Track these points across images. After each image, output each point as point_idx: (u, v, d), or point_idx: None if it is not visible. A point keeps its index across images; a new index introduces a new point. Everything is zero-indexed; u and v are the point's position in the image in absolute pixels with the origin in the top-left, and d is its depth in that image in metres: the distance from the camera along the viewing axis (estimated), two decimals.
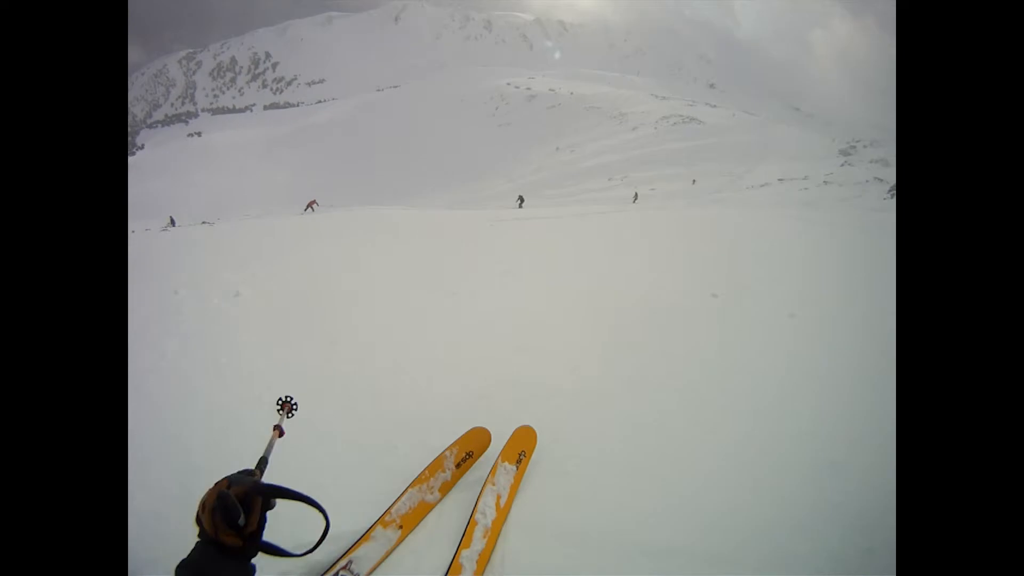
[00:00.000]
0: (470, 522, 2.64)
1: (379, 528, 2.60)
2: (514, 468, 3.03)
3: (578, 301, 5.31)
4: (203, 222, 23.41)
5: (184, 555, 1.29)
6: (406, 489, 2.82)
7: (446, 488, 2.98)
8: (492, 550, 2.62)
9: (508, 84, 78.65)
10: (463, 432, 3.22)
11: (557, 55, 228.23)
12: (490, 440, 3.31)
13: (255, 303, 5.64)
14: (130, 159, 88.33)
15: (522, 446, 3.18)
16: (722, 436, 3.33)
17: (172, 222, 26.65)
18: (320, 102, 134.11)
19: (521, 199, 24.38)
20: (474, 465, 3.19)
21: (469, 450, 3.20)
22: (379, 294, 5.93)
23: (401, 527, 2.67)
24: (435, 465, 3.01)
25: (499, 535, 2.69)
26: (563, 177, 35.48)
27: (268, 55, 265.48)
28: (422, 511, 2.82)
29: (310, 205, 26.05)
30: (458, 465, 3.10)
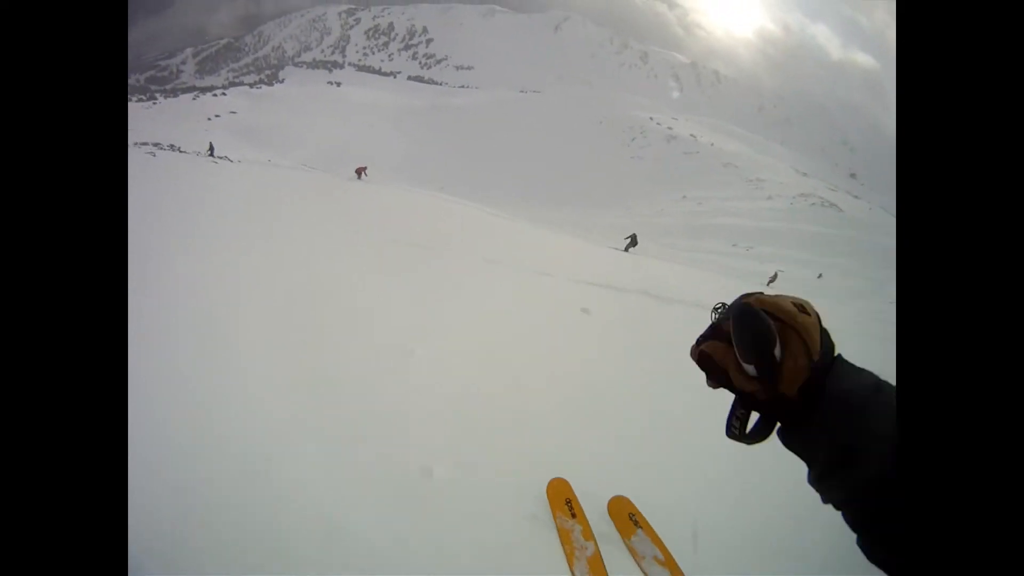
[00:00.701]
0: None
1: None
2: (640, 530, 3.25)
3: None
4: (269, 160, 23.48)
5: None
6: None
7: (588, 534, 3.22)
8: None
9: (651, 119, 76.64)
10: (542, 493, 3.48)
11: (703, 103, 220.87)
12: (570, 485, 3.52)
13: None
14: (268, 89, 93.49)
15: (627, 510, 3.36)
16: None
17: (211, 150, 27.42)
18: (463, 87, 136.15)
19: (633, 238, 21.98)
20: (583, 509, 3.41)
21: (565, 499, 3.45)
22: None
23: None
24: (564, 534, 3.24)
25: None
26: (684, 228, 33.88)
27: (425, 30, 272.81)
28: (598, 567, 3.06)
29: (360, 171, 26.18)
30: (573, 515, 3.37)
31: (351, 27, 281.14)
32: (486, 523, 3.36)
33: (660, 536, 3.34)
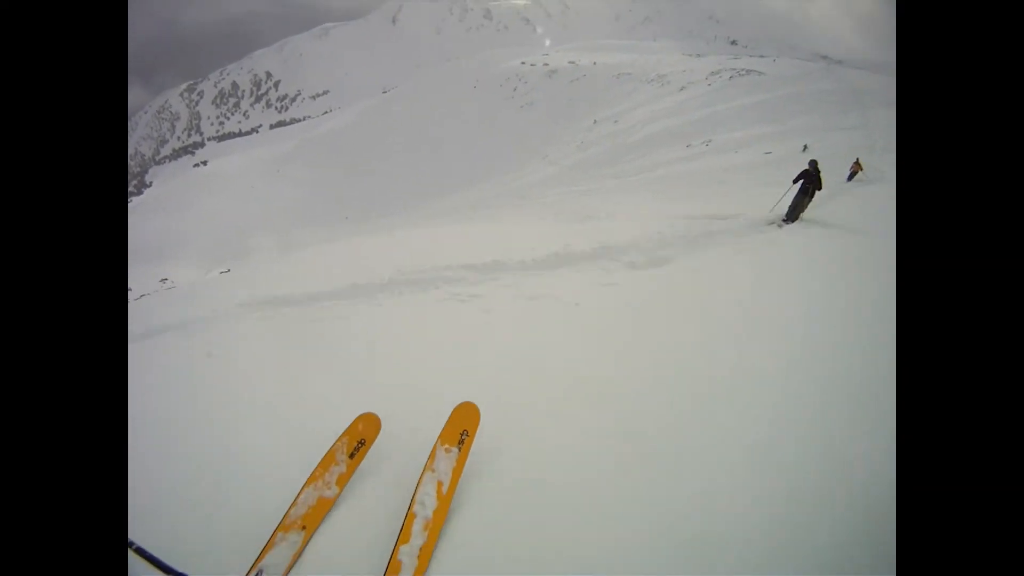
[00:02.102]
0: (408, 514, 2.48)
1: (280, 533, 2.43)
2: (456, 451, 2.84)
3: None
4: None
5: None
6: (301, 489, 2.62)
7: (343, 481, 2.77)
8: (435, 543, 2.46)
9: (523, 63, 71.77)
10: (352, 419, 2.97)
11: (549, 39, 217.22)
12: (380, 426, 3.00)
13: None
14: (137, 200, 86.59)
15: (463, 425, 2.94)
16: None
17: None
18: (327, 112, 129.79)
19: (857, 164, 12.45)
20: (369, 454, 2.93)
21: (360, 439, 2.96)
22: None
23: (304, 528, 2.52)
24: (327, 460, 2.78)
25: (442, 527, 2.53)
26: (618, 151, 28.67)
27: (269, 75, 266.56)
28: (322, 508, 2.64)
29: None
30: (351, 455, 2.87)
31: (197, 103, 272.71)
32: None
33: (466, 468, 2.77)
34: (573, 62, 65.40)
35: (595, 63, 62.12)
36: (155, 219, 65.62)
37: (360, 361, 4.45)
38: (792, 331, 4.42)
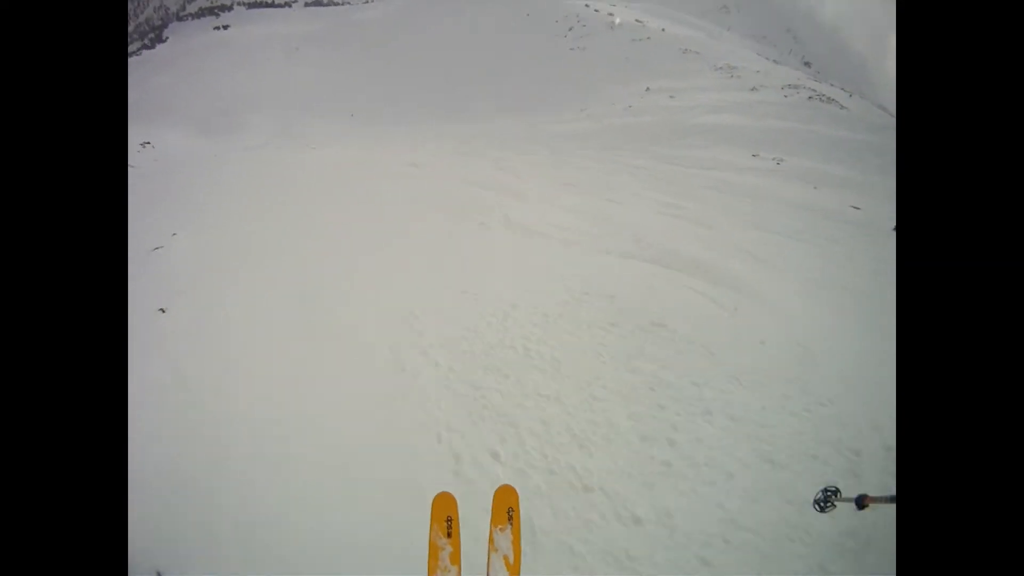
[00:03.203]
0: None
1: None
2: (508, 527, 3.22)
3: None
4: None
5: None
6: None
7: (456, 559, 3.14)
8: None
9: (586, 5, 65.52)
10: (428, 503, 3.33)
11: None
12: (456, 501, 3.35)
13: None
14: (148, 54, 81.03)
15: (507, 504, 3.31)
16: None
17: None
18: (367, 2, 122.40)
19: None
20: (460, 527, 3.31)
21: (447, 516, 3.29)
22: None
23: None
24: (432, 551, 3.15)
25: None
26: (671, 129, 23.23)
27: None
28: None
29: None
30: (449, 535, 3.23)
31: None
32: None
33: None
34: (640, 21, 59.44)
35: (663, 30, 56.29)
36: (158, 77, 60.29)
37: None
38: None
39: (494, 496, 3.33)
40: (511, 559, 3.12)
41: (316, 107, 47.93)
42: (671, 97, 31.26)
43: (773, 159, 18.77)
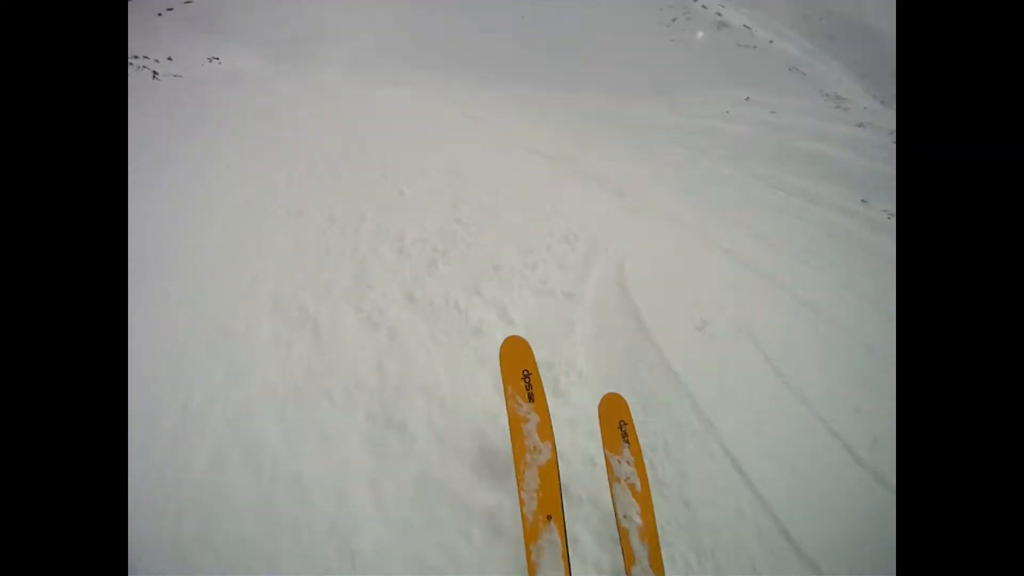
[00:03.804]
0: (620, 532, 2.59)
1: (532, 546, 2.38)
2: (626, 445, 2.90)
3: None
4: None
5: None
6: (518, 473, 2.60)
7: (546, 432, 2.78)
8: (661, 556, 2.55)
9: (695, 0, 62.59)
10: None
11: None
12: (529, 347, 3.05)
13: None
14: None
15: (618, 416, 3.00)
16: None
17: None
18: None
19: None
20: (543, 383, 2.96)
21: (523, 370, 2.93)
22: None
23: (551, 517, 2.48)
24: (514, 423, 2.77)
25: (657, 527, 2.64)
26: (769, 147, 20.19)
27: None
28: (552, 480, 2.62)
29: None
30: (531, 399, 2.85)
31: None
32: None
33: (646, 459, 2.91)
34: (748, 28, 56.25)
35: (771, 42, 52.96)
36: None
37: None
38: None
39: (599, 409, 3.09)
40: (638, 487, 2.78)
41: (393, 48, 46.46)
42: (772, 113, 28.62)
43: (884, 211, 16.38)
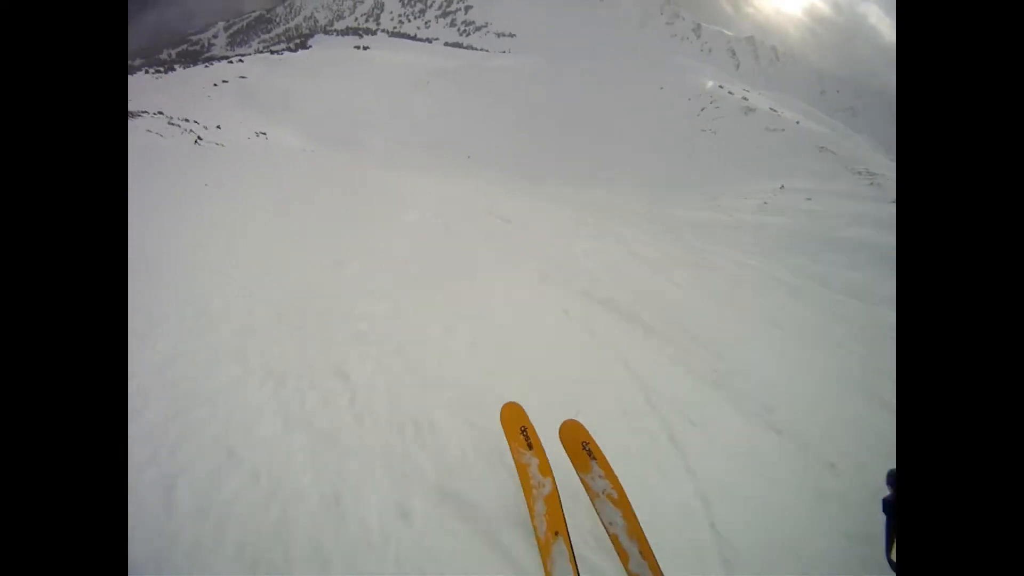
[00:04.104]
0: (610, 537, 2.85)
1: (548, 560, 2.74)
2: (594, 462, 3.11)
3: None
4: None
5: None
6: (528, 505, 2.99)
7: (546, 470, 3.11)
8: (651, 549, 2.79)
9: (720, 87, 64.23)
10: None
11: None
12: (524, 410, 3.41)
13: None
14: (289, 55, 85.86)
15: (580, 440, 3.22)
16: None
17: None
18: (504, 52, 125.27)
19: None
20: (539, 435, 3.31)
21: (520, 427, 3.30)
22: None
23: (558, 532, 2.81)
24: (520, 468, 3.19)
25: (641, 526, 2.88)
26: (813, 239, 19.47)
27: None
28: (555, 505, 2.96)
29: None
30: (530, 447, 3.23)
31: None
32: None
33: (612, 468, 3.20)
34: (775, 110, 57.59)
35: (798, 123, 54.22)
36: (290, 78, 63.34)
37: None
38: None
39: (560, 438, 3.26)
40: (615, 495, 3.00)
41: (434, 140, 48.30)
42: (808, 199, 29.11)
43: None
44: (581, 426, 3.30)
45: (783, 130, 50.67)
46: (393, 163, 32.16)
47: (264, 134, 35.08)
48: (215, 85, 58.80)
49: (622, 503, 2.98)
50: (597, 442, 3.28)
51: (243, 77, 64.45)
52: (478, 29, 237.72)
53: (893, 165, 48.09)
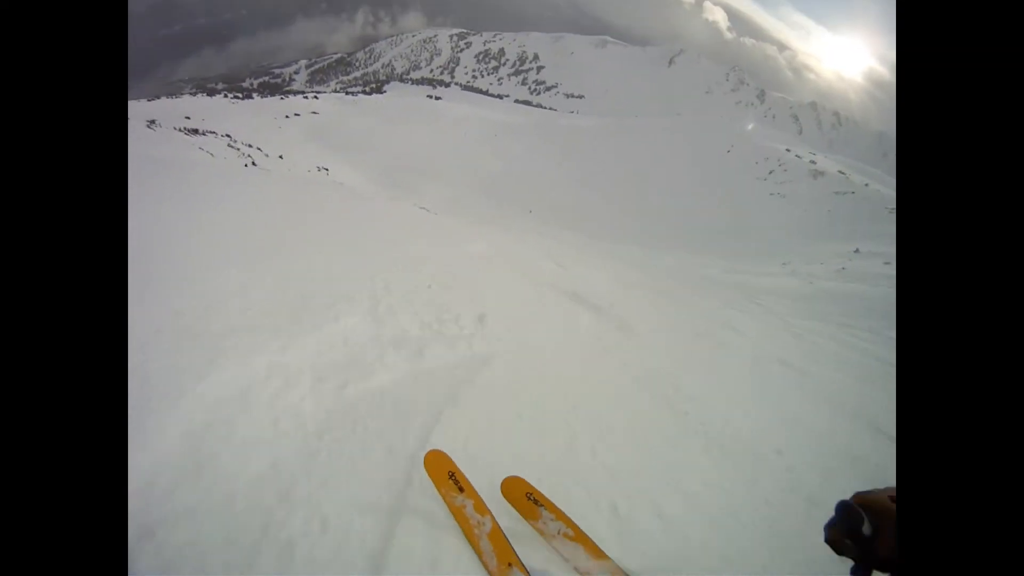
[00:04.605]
0: (581, 573, 2.85)
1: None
2: (542, 509, 3.16)
3: None
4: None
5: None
6: (471, 544, 2.94)
7: (482, 508, 3.12)
8: (620, 568, 2.84)
9: (787, 150, 63.97)
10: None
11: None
12: (447, 456, 3.45)
13: None
14: (364, 98, 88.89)
15: (522, 492, 3.26)
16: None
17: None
18: (573, 113, 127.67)
19: None
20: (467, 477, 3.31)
21: (448, 471, 3.32)
22: None
23: (511, 564, 2.81)
24: (455, 511, 3.13)
25: (602, 548, 2.95)
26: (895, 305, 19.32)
27: (536, 56, 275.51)
28: (501, 540, 2.93)
29: None
30: (461, 489, 3.21)
31: (461, 50, 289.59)
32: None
33: (563, 510, 3.24)
34: (843, 173, 57.02)
35: (867, 185, 53.50)
36: (362, 119, 65.47)
37: None
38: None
39: (503, 495, 3.31)
40: (571, 532, 3.06)
41: (495, 193, 48.86)
42: (885, 263, 28.57)
43: None
44: (522, 480, 3.35)
45: (853, 193, 50.18)
46: (453, 212, 32.04)
47: (326, 169, 35.84)
48: (287, 117, 61.56)
49: (581, 536, 3.03)
50: (540, 490, 3.34)
51: (315, 113, 67.23)
52: (548, 89, 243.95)
53: None
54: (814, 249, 34.30)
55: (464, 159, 59.94)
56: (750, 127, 67.54)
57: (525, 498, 3.25)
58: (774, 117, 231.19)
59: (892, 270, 26.19)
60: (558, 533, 3.07)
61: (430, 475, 3.35)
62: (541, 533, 3.11)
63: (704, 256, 31.84)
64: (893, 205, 45.78)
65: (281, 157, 33.27)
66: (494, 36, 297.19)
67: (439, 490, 3.27)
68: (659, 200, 52.36)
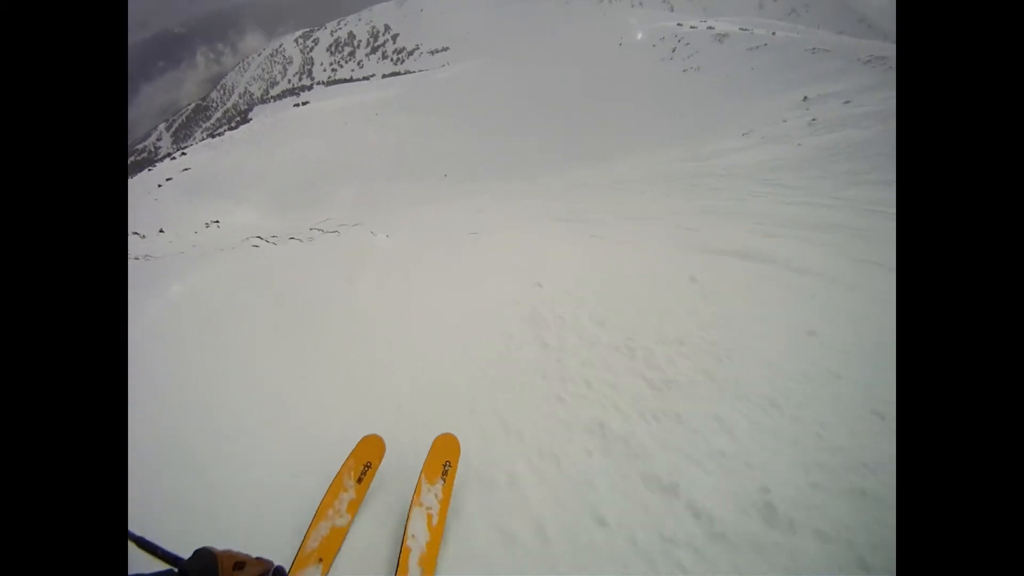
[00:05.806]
0: (402, 549, 2.66)
1: (298, 570, 2.57)
2: (441, 482, 3.02)
3: None
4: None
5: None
6: (313, 521, 2.80)
7: (354, 508, 2.99)
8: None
9: (679, 24, 60.80)
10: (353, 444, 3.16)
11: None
12: (384, 448, 3.27)
13: None
14: (230, 134, 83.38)
15: (445, 456, 3.15)
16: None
17: None
18: (444, 66, 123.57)
19: None
20: (375, 476, 3.17)
21: (366, 462, 3.16)
22: None
23: (321, 560, 2.68)
24: (335, 487, 2.99)
25: (437, 559, 2.70)
26: (881, 156, 15.80)
27: (387, 27, 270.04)
28: (337, 538, 2.82)
29: None
30: (359, 480, 3.06)
31: (311, 49, 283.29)
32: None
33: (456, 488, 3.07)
34: (746, 29, 54.23)
35: (774, 34, 50.84)
36: (234, 154, 59.13)
37: None
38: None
39: (433, 444, 3.25)
40: (435, 519, 2.90)
41: (399, 167, 45.50)
42: (846, 102, 25.55)
43: None
44: (457, 446, 3.21)
45: (765, 44, 46.72)
46: (366, 207, 29.42)
47: (217, 222, 32.42)
48: (159, 186, 56.07)
49: (436, 531, 2.85)
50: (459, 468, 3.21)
51: (187, 169, 61.65)
52: (410, 53, 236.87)
53: (881, 43, 44.32)
54: (762, 110, 30.75)
55: (356, 148, 55.58)
56: (639, 37, 64.36)
57: (442, 463, 3.15)
58: (641, 3, 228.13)
59: (860, 108, 22.93)
60: (426, 507, 2.92)
61: (353, 452, 3.24)
62: (416, 493, 2.98)
63: (658, 152, 28.39)
64: (810, 45, 42.99)
65: (162, 231, 29.26)
66: (338, 24, 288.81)
67: (343, 465, 3.16)
68: (580, 118, 48.57)
